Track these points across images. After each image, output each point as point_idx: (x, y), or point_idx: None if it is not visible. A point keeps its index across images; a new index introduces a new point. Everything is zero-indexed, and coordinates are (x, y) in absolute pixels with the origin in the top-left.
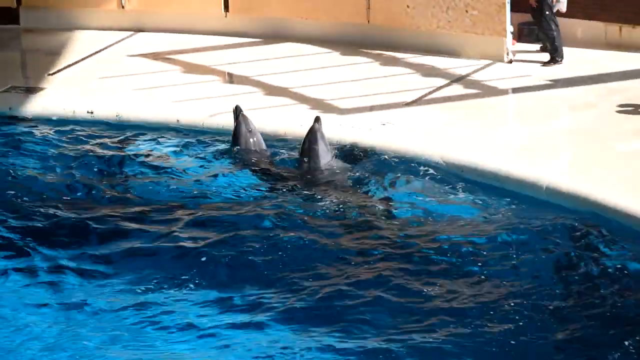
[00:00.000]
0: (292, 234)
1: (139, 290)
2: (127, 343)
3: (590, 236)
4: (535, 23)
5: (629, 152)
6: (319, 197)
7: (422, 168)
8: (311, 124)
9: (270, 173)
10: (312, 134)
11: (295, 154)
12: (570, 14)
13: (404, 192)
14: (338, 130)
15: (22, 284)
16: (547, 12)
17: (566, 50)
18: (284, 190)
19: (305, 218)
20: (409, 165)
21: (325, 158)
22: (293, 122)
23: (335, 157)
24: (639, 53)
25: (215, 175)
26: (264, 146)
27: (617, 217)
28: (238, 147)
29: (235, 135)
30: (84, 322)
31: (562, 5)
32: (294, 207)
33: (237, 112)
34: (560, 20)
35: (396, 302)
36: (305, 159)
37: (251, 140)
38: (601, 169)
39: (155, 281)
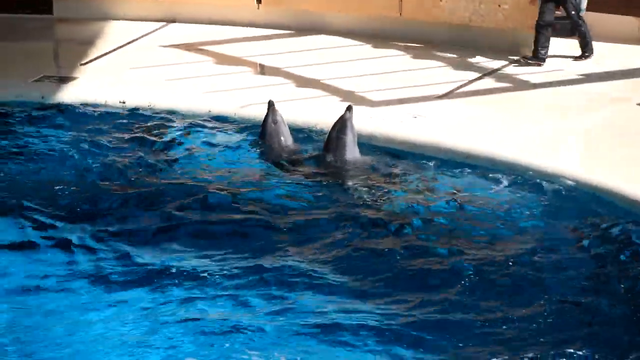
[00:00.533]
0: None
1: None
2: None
3: (626, 231)
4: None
5: None
6: (347, 189)
7: (454, 162)
8: (342, 112)
9: (293, 165)
10: (342, 123)
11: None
12: (600, 8)
13: (439, 186)
14: (369, 122)
15: (62, 261)
16: (572, 12)
17: (600, 45)
18: (305, 183)
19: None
20: (439, 159)
21: (353, 151)
22: (324, 114)
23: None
24: None
25: (240, 167)
26: (289, 139)
27: None
28: (263, 140)
29: (263, 127)
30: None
31: (584, 3)
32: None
33: (269, 105)
34: (593, 15)
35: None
36: (331, 150)
37: (276, 132)
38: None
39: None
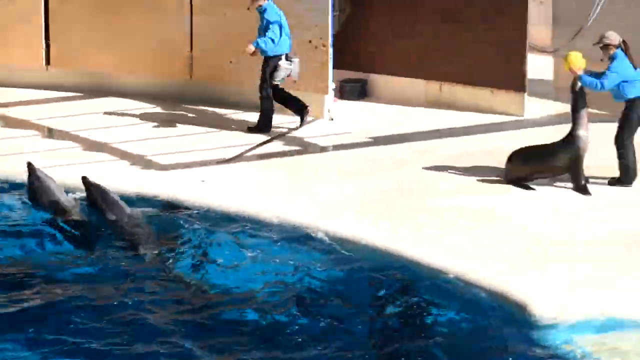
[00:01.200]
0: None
1: None
2: None
3: (404, 292)
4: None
5: (441, 209)
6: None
7: (239, 225)
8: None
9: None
10: (95, 189)
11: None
12: (393, 71)
13: (218, 249)
14: (158, 186)
15: None
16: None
17: (389, 107)
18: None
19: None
20: (226, 222)
21: (123, 209)
22: (112, 178)
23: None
24: (457, 110)
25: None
26: (61, 195)
27: (435, 275)
28: (34, 201)
29: (29, 188)
30: None
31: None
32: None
33: (28, 166)
34: (383, 78)
35: None
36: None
37: (42, 189)
38: (412, 226)
39: None
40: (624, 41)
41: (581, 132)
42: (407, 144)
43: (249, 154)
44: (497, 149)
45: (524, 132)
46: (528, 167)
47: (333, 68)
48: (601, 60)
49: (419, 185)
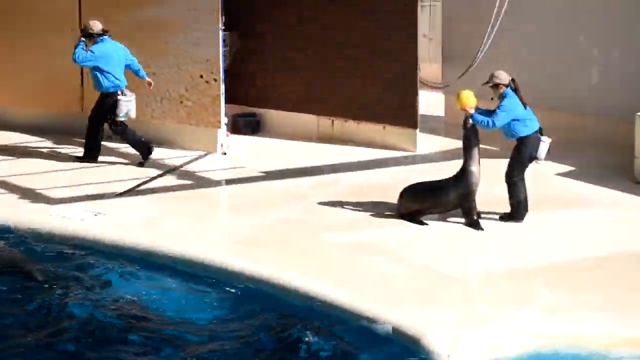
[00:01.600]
0: None
1: None
2: None
3: (302, 329)
4: None
5: (339, 244)
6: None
7: (131, 260)
8: None
9: None
10: None
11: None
12: (286, 107)
13: (115, 285)
14: (48, 220)
15: None
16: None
17: (282, 142)
18: None
19: None
20: (118, 257)
21: None
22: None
23: None
24: (349, 146)
25: None
26: None
27: (329, 309)
28: None
29: None
30: None
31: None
32: None
33: None
34: (275, 113)
35: None
36: None
37: None
38: (311, 260)
39: None
40: (513, 79)
41: (473, 168)
42: (301, 179)
43: (141, 187)
44: (390, 184)
45: (417, 167)
46: (420, 202)
47: (226, 102)
48: (492, 98)
49: (313, 219)
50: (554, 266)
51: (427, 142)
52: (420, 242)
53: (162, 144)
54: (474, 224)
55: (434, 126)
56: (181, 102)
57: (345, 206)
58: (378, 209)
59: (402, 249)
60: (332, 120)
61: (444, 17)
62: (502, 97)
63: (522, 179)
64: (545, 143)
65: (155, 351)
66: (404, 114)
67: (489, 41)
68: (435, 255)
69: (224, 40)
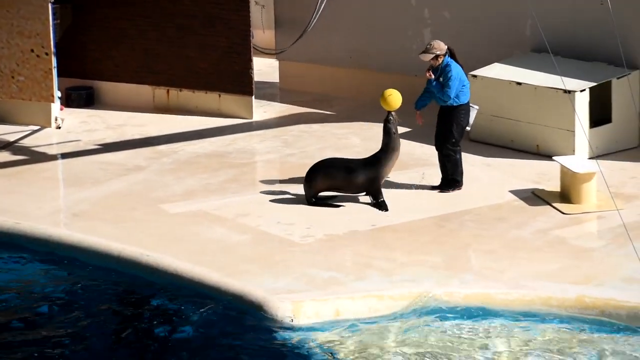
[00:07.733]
0: None
1: None
2: None
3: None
4: None
5: (178, 214)
6: None
7: None
8: None
9: None
10: None
11: None
12: (120, 78)
13: None
14: None
15: None
16: None
17: (118, 114)
18: None
19: None
20: None
21: None
22: None
23: None
24: (186, 115)
25: None
26: None
27: (171, 279)
28: None
29: None
30: None
31: None
32: None
33: None
34: (110, 85)
35: None
36: None
37: None
38: (151, 231)
39: None
40: (449, 47)
41: (387, 155)
42: (138, 150)
43: None
44: (227, 151)
45: (253, 134)
46: (330, 179)
47: (59, 76)
48: (429, 68)
49: (151, 190)
50: (394, 228)
51: (263, 109)
52: (260, 209)
53: None
54: (381, 205)
55: (270, 92)
56: (13, 77)
57: (182, 176)
58: (216, 178)
59: (241, 216)
60: (168, 90)
61: None
62: (444, 66)
63: (460, 147)
64: (474, 109)
65: None
66: (239, 82)
67: (321, 7)
68: (275, 221)
69: (54, 14)
